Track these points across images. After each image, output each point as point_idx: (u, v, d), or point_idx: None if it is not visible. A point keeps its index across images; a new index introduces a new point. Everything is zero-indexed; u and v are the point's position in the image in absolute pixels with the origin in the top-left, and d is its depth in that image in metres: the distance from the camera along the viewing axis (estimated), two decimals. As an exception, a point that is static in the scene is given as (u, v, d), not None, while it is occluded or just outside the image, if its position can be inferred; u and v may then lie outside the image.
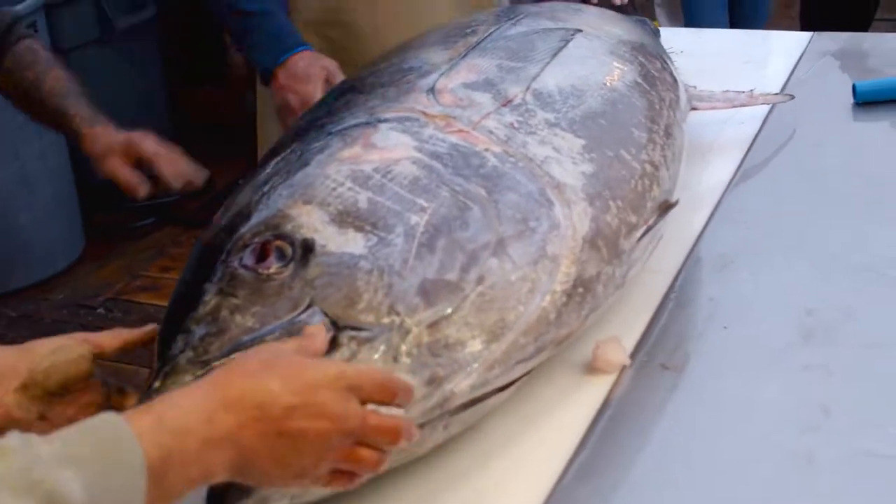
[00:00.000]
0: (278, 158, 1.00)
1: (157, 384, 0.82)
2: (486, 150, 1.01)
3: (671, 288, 1.20)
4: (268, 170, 0.99)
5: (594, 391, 1.04)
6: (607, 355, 1.06)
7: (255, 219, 0.92)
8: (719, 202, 1.39)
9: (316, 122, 1.07)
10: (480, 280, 0.91)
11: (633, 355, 1.08)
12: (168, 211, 3.74)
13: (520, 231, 0.95)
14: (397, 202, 0.93)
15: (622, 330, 1.11)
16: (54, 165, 3.45)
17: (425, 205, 0.93)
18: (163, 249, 3.56)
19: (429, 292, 0.88)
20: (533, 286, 0.94)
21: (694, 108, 1.46)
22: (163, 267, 3.44)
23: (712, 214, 1.36)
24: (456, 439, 0.95)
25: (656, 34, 1.58)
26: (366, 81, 1.16)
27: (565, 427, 0.99)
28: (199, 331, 0.84)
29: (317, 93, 1.56)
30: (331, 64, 1.61)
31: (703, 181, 1.44)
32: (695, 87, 1.49)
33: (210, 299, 0.86)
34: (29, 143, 3.33)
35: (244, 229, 0.91)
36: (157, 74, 4.00)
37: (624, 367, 1.06)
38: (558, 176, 1.02)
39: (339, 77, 1.58)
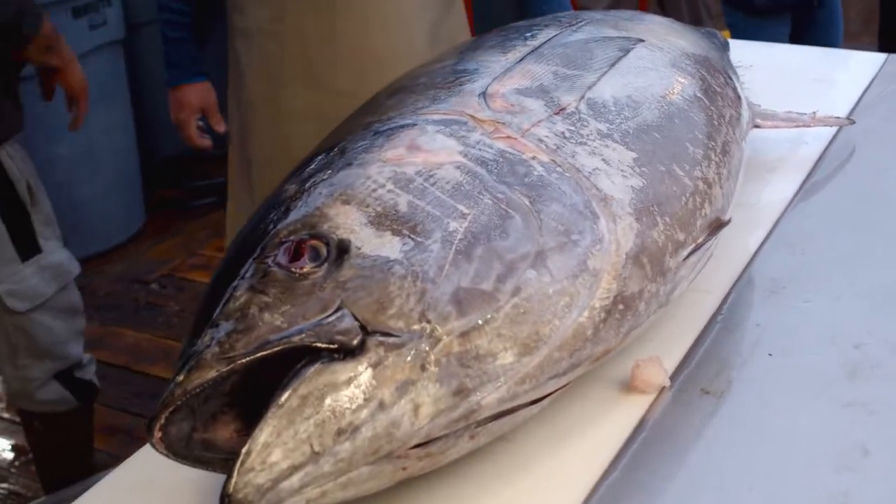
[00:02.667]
0: (322, 156, 0.99)
1: (180, 378, 0.81)
2: (534, 158, 0.99)
3: (718, 310, 1.17)
4: (311, 166, 0.98)
5: (630, 411, 1.01)
6: (647, 375, 1.04)
7: (293, 216, 0.90)
8: (776, 224, 1.35)
9: (363, 121, 1.05)
10: (516, 291, 0.88)
11: (673, 377, 1.06)
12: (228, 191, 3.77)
13: (561, 243, 0.93)
14: (437, 207, 0.91)
15: (664, 350, 1.08)
16: (120, 141, 3.50)
17: (466, 211, 0.91)
18: (220, 229, 3.58)
19: (462, 301, 0.86)
20: (571, 300, 0.92)
21: (756, 126, 1.42)
22: (218, 247, 3.47)
23: (768, 236, 1.32)
24: (483, 450, 0.93)
25: (725, 46, 1.54)
26: (418, 81, 1.14)
27: (597, 446, 0.97)
28: (226, 326, 0.83)
29: (188, 122, 2.20)
30: (208, 99, 2.19)
31: (762, 200, 1.40)
32: (759, 105, 1.45)
33: (240, 295, 0.85)
34: (96, 117, 3.37)
35: (280, 226, 0.90)
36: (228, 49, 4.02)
37: (663, 389, 1.04)
38: (606, 189, 1.00)
39: (214, 112, 2.20)
